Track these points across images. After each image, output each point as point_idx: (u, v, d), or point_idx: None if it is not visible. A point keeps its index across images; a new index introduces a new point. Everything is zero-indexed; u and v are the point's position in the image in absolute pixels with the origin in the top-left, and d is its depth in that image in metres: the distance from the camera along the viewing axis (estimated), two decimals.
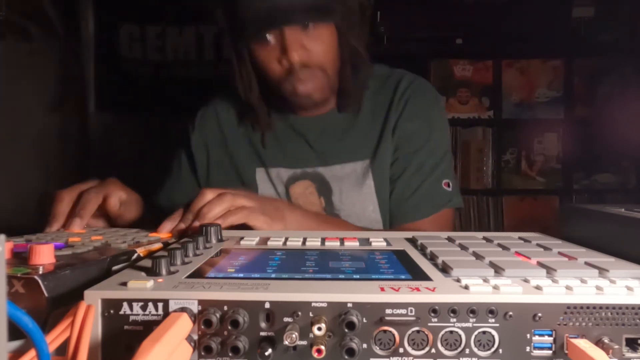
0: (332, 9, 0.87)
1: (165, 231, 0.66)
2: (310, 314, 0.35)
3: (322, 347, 0.34)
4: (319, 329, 0.34)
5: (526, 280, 0.39)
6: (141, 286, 0.36)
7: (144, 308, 0.35)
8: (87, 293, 0.35)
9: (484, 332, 0.35)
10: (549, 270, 0.41)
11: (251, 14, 0.86)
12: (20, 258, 0.46)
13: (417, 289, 0.36)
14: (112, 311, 0.35)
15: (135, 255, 0.51)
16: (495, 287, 0.36)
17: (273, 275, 0.40)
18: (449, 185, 0.96)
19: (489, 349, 0.36)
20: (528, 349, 0.36)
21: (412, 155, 0.96)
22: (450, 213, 0.98)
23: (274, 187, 1.00)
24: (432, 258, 0.48)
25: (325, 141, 1.00)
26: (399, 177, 0.96)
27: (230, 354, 0.35)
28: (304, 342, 0.35)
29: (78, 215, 0.70)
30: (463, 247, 0.52)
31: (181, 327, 0.33)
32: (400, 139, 0.97)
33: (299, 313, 0.35)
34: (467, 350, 0.35)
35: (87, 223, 0.71)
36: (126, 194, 0.80)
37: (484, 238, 0.59)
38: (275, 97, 0.97)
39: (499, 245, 0.54)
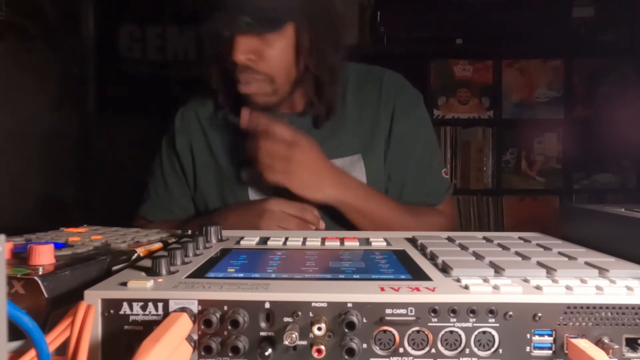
0: (283, 19, 0.85)
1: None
2: (310, 314, 0.35)
3: (322, 347, 0.34)
4: (319, 329, 0.34)
5: (526, 280, 0.39)
6: (141, 286, 0.36)
7: (144, 308, 0.35)
8: (87, 293, 0.35)
9: (484, 332, 0.36)
10: (549, 270, 0.41)
11: (210, 10, 0.85)
12: (20, 258, 0.46)
13: (417, 289, 0.36)
14: (112, 311, 0.35)
15: (135, 255, 0.51)
16: (495, 287, 0.36)
17: (273, 275, 0.40)
18: (447, 173, 1.02)
19: (489, 349, 0.36)
20: (528, 349, 0.36)
21: (412, 153, 0.98)
22: (451, 198, 1.05)
23: (260, 182, 0.95)
24: (432, 258, 0.48)
25: (313, 136, 0.96)
26: (403, 176, 0.97)
27: (230, 354, 0.35)
28: (304, 342, 0.35)
29: None
30: (463, 247, 0.52)
31: (181, 327, 0.33)
32: (397, 139, 0.98)
33: (299, 313, 0.35)
34: (467, 350, 0.35)
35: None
36: None
37: (484, 238, 0.59)
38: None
39: (499, 245, 0.54)
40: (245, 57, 0.85)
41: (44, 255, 0.43)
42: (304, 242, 0.57)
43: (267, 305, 0.35)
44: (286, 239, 0.58)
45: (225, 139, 1.00)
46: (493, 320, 0.35)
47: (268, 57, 0.87)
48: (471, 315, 0.35)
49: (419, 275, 0.41)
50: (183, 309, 0.35)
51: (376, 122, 0.98)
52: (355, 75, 1.01)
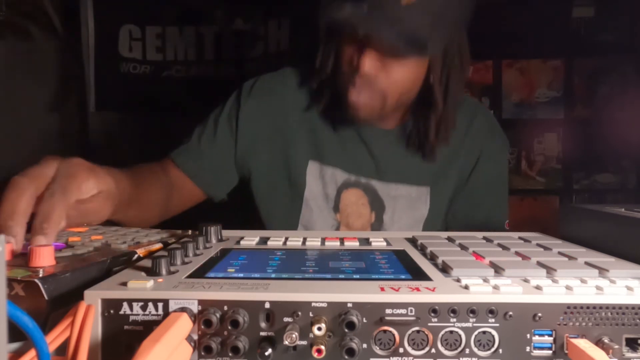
0: (425, 48, 0.80)
1: None
2: (310, 314, 0.35)
3: (322, 347, 0.34)
4: (319, 329, 0.34)
5: (526, 280, 0.39)
6: (141, 286, 0.36)
7: (144, 308, 0.35)
8: (87, 293, 0.35)
9: (484, 332, 0.36)
10: (549, 270, 0.41)
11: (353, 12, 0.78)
12: (20, 259, 0.46)
13: (417, 289, 0.36)
14: (112, 311, 0.35)
15: (135, 255, 0.51)
16: (495, 287, 0.36)
17: (273, 275, 0.40)
18: (508, 226, 0.98)
19: (489, 349, 0.36)
20: (528, 349, 0.36)
21: (484, 199, 0.96)
22: None
23: (324, 186, 0.94)
24: (432, 258, 0.48)
25: (387, 156, 0.95)
26: (468, 220, 0.95)
27: (230, 354, 0.35)
28: (304, 342, 0.35)
29: (41, 231, 0.49)
30: (463, 247, 0.52)
31: (181, 327, 0.33)
32: (474, 185, 0.96)
33: (299, 313, 0.35)
34: (467, 350, 0.35)
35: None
36: (100, 182, 0.60)
37: (484, 238, 0.59)
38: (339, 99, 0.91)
39: (499, 245, 0.54)
40: (372, 69, 0.82)
41: (45, 257, 0.43)
42: (304, 242, 0.57)
43: (267, 305, 0.35)
44: (286, 239, 0.58)
45: (303, 125, 0.95)
46: (493, 320, 0.35)
47: (393, 76, 0.83)
48: (471, 315, 0.35)
49: (419, 275, 0.41)
50: (183, 309, 0.35)
51: (455, 160, 0.95)
52: None
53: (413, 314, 0.35)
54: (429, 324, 0.35)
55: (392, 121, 0.95)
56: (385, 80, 0.83)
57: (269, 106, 0.96)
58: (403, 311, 0.35)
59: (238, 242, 0.57)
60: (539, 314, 0.35)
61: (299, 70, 0.99)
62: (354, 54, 0.83)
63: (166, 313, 0.35)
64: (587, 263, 0.44)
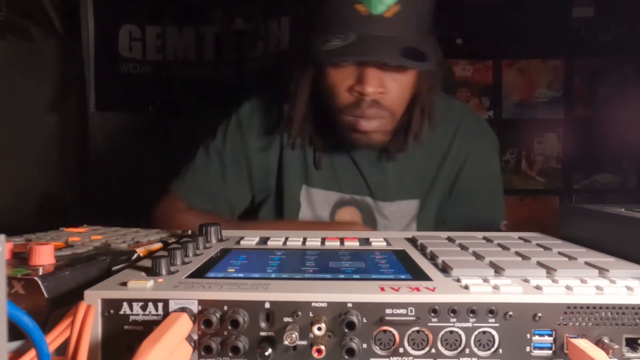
0: (425, 59, 0.80)
1: None
2: (310, 314, 0.35)
3: (322, 347, 0.34)
4: (319, 329, 0.34)
5: (526, 280, 0.39)
6: (141, 286, 0.36)
7: (144, 308, 0.35)
8: (87, 293, 0.35)
9: (484, 332, 0.35)
10: (549, 270, 0.41)
11: (341, 37, 0.78)
12: (20, 258, 0.46)
13: (417, 289, 0.36)
14: (112, 311, 0.35)
15: (135, 255, 0.51)
16: (495, 287, 0.36)
17: (273, 275, 0.40)
18: (505, 227, 0.97)
19: (489, 349, 0.36)
20: (528, 349, 0.36)
21: (473, 202, 0.95)
22: None
23: (314, 209, 0.95)
24: (432, 258, 0.48)
25: (377, 175, 0.95)
26: (458, 222, 0.94)
27: (230, 354, 0.35)
28: (304, 342, 0.35)
29: None
30: (463, 247, 0.52)
31: (181, 327, 0.33)
32: (462, 186, 0.95)
33: (299, 313, 0.35)
34: (467, 350, 0.35)
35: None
36: None
37: (484, 238, 0.59)
38: (327, 125, 0.90)
39: (499, 245, 0.54)
40: (376, 90, 0.80)
41: (44, 256, 0.43)
42: (304, 242, 0.57)
43: (267, 305, 0.35)
44: (286, 239, 0.58)
45: (293, 152, 0.96)
46: (493, 320, 0.35)
47: (394, 92, 0.83)
48: (471, 315, 0.35)
49: (419, 275, 0.41)
50: (183, 309, 0.35)
51: (441, 169, 0.95)
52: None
53: (413, 314, 0.35)
54: (429, 324, 0.35)
55: (376, 138, 0.94)
56: (389, 98, 0.83)
57: (272, 139, 0.97)
58: (403, 311, 0.35)
59: (238, 242, 0.57)
60: (539, 314, 0.35)
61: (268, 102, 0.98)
62: (346, 84, 0.82)
63: (166, 313, 0.35)
64: (587, 263, 0.44)
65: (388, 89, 0.82)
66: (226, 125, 0.98)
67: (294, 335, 0.34)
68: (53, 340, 0.33)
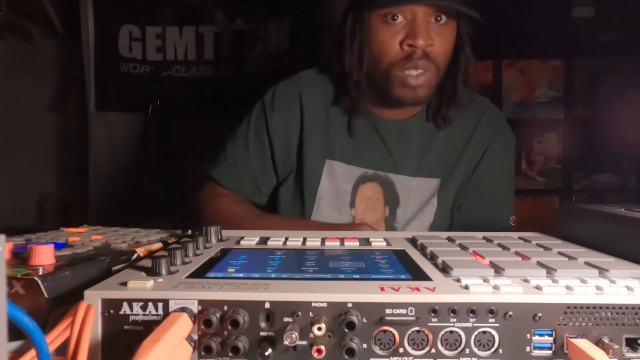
0: (469, 7, 0.87)
1: None
2: (310, 314, 0.35)
3: (322, 347, 0.34)
4: (319, 329, 0.34)
5: (526, 280, 0.39)
6: (141, 286, 0.36)
7: (144, 308, 0.35)
8: (87, 293, 0.35)
9: (484, 332, 0.35)
10: (549, 270, 0.41)
11: None
12: (20, 258, 0.46)
13: (417, 289, 0.36)
14: (112, 311, 0.35)
15: (135, 255, 0.51)
16: (495, 287, 0.36)
17: (273, 275, 0.40)
18: (514, 222, 1.00)
19: (489, 349, 0.36)
20: (528, 349, 0.36)
21: (488, 193, 0.97)
22: None
23: (337, 183, 0.96)
24: (432, 258, 0.48)
25: (402, 149, 0.97)
26: (474, 214, 0.96)
27: (230, 354, 0.35)
28: (304, 342, 0.35)
29: None
30: (463, 247, 0.52)
31: (181, 327, 0.33)
32: (479, 179, 0.97)
33: (299, 313, 0.35)
34: (467, 350, 0.35)
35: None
36: None
37: (484, 238, 0.59)
38: (370, 86, 0.94)
39: (499, 245, 0.54)
40: (426, 42, 0.85)
41: (44, 256, 0.43)
42: (304, 242, 0.57)
43: (267, 305, 0.35)
44: (286, 239, 0.58)
45: (319, 128, 0.97)
46: (493, 320, 0.35)
47: (440, 44, 0.88)
48: (471, 315, 0.35)
49: (419, 275, 0.41)
50: (183, 309, 0.35)
51: (463, 154, 0.97)
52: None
53: (413, 314, 0.35)
54: (429, 324, 0.35)
55: (410, 109, 0.97)
56: (436, 49, 0.87)
57: (292, 114, 0.99)
58: (403, 311, 0.35)
59: (238, 242, 0.57)
60: (539, 314, 0.35)
61: (312, 73, 1.01)
62: (397, 39, 0.87)
63: (166, 313, 0.35)
64: (587, 263, 0.44)
65: (435, 41, 0.87)
66: (252, 110, 1.01)
67: (294, 335, 0.34)
68: (53, 340, 0.33)
